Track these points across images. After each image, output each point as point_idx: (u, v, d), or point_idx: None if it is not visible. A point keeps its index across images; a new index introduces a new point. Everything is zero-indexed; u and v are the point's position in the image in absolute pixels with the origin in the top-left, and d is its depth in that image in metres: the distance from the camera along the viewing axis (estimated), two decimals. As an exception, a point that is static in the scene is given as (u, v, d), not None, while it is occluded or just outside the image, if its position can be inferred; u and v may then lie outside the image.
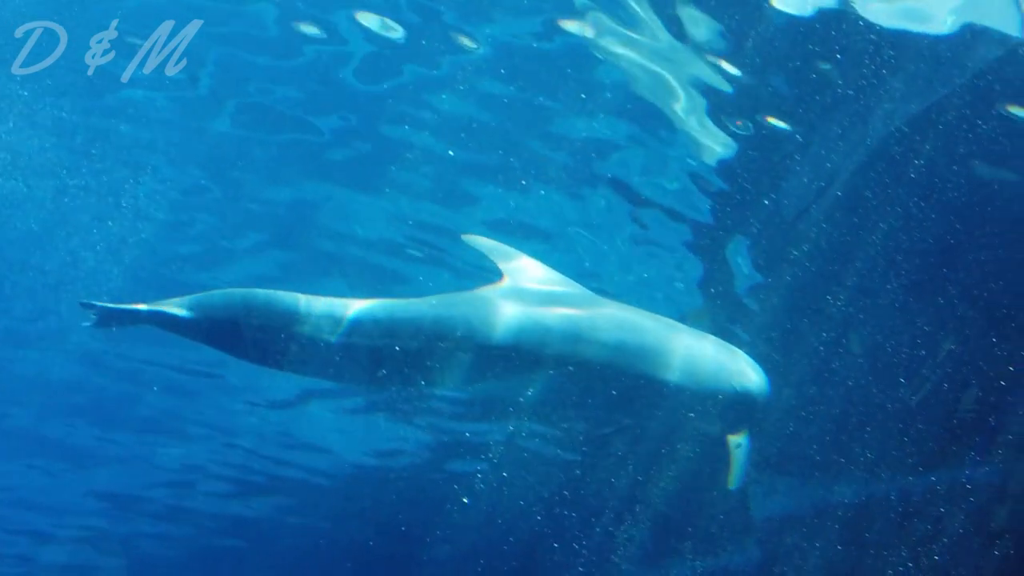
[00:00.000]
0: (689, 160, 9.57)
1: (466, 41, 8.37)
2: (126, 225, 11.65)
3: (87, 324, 8.18)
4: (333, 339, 7.32)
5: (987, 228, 9.57)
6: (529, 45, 8.33)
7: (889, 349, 11.39)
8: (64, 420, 18.47)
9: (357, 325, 7.31)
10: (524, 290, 7.66)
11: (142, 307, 7.55)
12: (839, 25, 7.73)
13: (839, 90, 8.37)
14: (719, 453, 9.97)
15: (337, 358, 7.43)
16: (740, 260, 11.04)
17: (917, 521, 14.66)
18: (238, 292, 7.90)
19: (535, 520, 19.41)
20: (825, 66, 8.16)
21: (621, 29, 8.09)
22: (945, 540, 14.59)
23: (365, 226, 11.19)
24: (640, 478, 15.36)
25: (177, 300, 7.54)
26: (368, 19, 8.33)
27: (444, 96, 9.00)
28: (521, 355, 7.34)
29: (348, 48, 8.66)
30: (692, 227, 10.62)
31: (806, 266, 10.24)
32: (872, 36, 7.76)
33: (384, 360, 7.45)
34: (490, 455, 17.21)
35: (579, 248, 11.06)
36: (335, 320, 7.31)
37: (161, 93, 9.46)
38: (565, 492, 17.81)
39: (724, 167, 9.59)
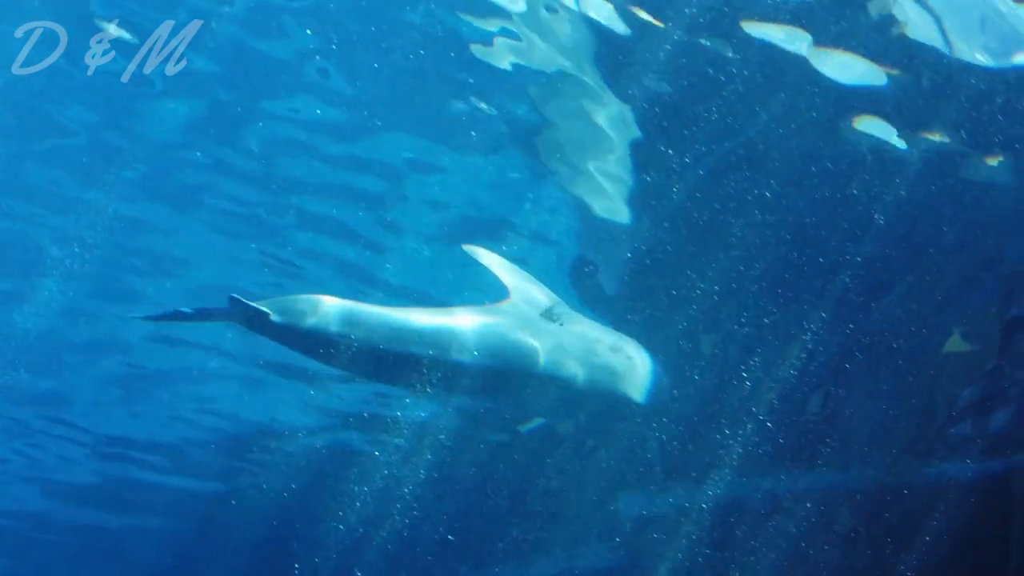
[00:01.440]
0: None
1: None
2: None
3: (137, 315, 8.15)
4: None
5: (844, 226, 9.79)
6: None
7: (742, 346, 11.62)
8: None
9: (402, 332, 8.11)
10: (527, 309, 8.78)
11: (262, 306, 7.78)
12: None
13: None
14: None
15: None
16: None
17: (778, 522, 14.99)
18: (325, 300, 8.15)
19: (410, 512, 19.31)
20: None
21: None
22: (804, 541, 14.97)
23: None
24: (510, 474, 15.48)
25: (266, 303, 7.84)
26: None
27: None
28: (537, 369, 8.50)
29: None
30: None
31: (666, 249, 10.37)
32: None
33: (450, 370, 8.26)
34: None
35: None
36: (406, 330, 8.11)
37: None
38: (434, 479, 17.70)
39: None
